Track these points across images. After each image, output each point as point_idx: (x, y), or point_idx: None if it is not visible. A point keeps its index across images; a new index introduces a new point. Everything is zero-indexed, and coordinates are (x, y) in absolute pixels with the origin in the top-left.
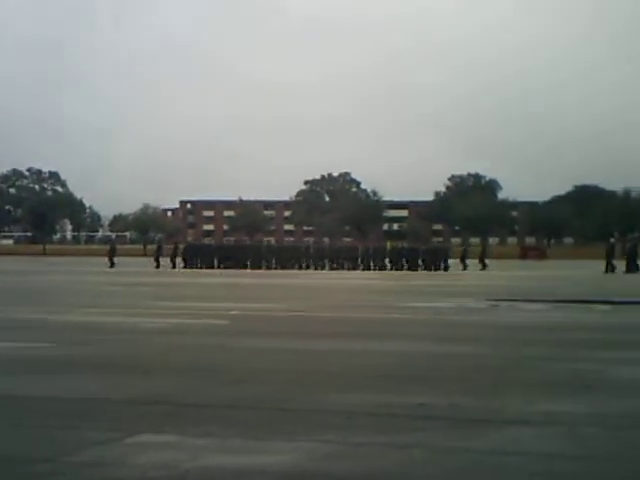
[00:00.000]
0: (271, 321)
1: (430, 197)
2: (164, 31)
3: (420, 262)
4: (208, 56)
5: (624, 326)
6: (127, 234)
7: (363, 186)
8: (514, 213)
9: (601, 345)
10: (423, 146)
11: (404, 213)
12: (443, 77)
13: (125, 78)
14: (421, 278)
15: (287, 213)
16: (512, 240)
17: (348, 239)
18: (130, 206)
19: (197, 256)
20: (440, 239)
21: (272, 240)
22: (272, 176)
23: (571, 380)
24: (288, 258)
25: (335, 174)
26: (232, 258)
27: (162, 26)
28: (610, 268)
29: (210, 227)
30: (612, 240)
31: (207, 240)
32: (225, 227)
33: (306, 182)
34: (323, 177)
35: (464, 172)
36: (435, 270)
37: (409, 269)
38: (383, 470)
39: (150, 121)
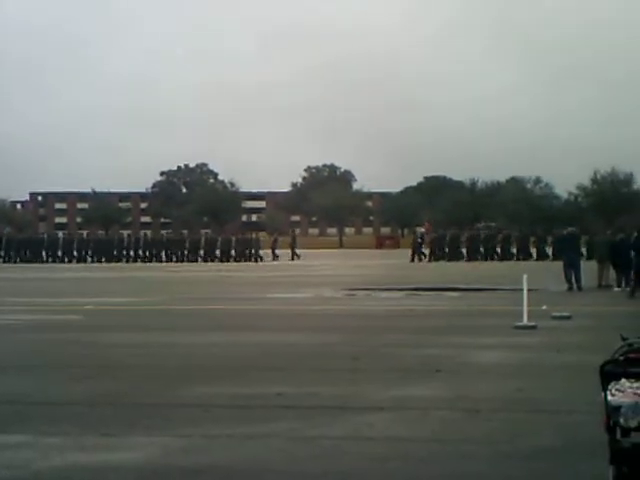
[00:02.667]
0: (127, 315)
1: (287, 188)
2: (23, 15)
3: (233, 253)
4: (67, 41)
5: (472, 312)
6: None
7: (220, 177)
8: (369, 203)
9: (451, 331)
10: (279, 137)
11: (262, 204)
12: (300, 71)
13: None
14: (268, 270)
15: (143, 205)
16: (368, 230)
17: (206, 230)
18: None
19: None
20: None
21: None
22: (127, 167)
23: (423, 365)
24: (109, 250)
25: (192, 165)
26: (44, 250)
27: (21, 10)
28: (418, 257)
29: (63, 220)
30: (422, 230)
31: (61, 234)
32: (79, 220)
33: (162, 173)
34: (179, 168)
35: (320, 163)
36: (246, 261)
37: (221, 260)
38: (239, 461)
39: None
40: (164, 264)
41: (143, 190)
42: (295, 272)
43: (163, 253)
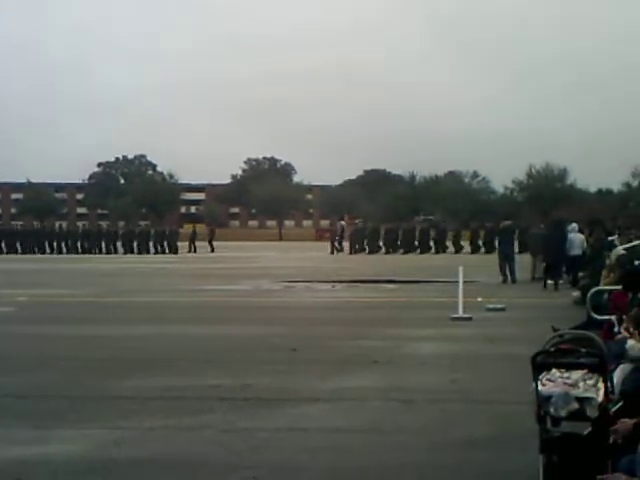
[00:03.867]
0: (61, 307)
1: (227, 180)
2: None
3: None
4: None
5: (409, 304)
6: None
7: (159, 169)
8: (309, 196)
9: (388, 322)
10: (219, 129)
11: (201, 196)
12: (241, 63)
13: None
14: (201, 261)
15: (80, 196)
16: (308, 223)
17: (145, 222)
18: None
19: None
20: (237, 222)
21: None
22: (63, 158)
23: (360, 357)
24: (23, 242)
25: (130, 156)
26: None
27: None
28: (337, 249)
29: None
30: (341, 223)
31: None
32: (13, 210)
33: (99, 164)
34: (117, 159)
35: (260, 155)
36: (165, 253)
37: (139, 252)
38: (173, 453)
39: None
40: (80, 256)
41: (79, 181)
42: (231, 264)
43: (79, 244)
